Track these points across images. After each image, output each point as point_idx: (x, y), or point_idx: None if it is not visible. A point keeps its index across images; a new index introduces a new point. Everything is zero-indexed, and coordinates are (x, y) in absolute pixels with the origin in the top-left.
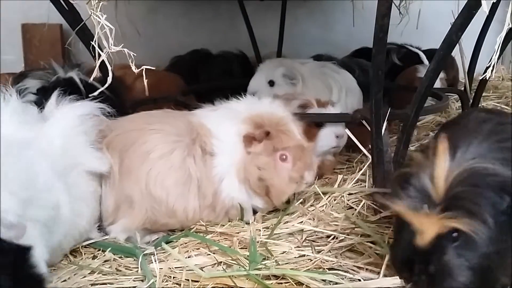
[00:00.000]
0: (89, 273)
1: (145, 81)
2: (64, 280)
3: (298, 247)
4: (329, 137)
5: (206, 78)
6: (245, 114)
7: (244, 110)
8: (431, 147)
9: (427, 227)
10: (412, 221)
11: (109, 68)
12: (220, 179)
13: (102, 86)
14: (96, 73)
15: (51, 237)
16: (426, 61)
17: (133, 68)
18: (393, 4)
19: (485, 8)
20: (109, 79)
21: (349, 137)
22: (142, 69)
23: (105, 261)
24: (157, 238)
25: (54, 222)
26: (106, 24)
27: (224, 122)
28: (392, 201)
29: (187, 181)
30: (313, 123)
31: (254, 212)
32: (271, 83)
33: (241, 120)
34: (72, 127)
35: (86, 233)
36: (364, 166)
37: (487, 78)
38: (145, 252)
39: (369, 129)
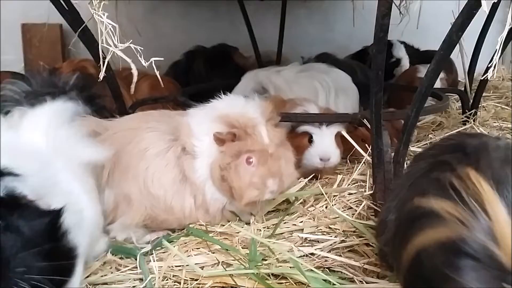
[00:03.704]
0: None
1: (157, 73)
2: None
3: (299, 245)
4: (314, 158)
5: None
6: (218, 113)
7: (220, 108)
8: (464, 191)
9: None
10: None
11: (129, 60)
12: (203, 181)
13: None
14: (103, 73)
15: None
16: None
17: (143, 62)
18: (393, 4)
19: (485, 8)
20: (134, 74)
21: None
22: (150, 62)
23: (104, 262)
24: (157, 238)
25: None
26: (109, 23)
27: (203, 121)
28: None
29: (183, 178)
30: (306, 136)
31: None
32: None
33: (213, 118)
34: (54, 121)
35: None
36: (363, 166)
37: (488, 79)
38: (144, 252)
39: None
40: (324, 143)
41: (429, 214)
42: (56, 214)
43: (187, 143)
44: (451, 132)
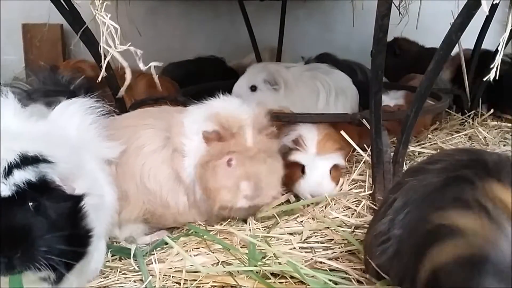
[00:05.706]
0: None
1: (155, 78)
2: None
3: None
4: (304, 192)
5: None
6: (211, 111)
7: (214, 107)
8: (491, 204)
9: None
10: None
11: (125, 64)
12: (192, 181)
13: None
14: (103, 73)
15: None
16: None
17: (141, 65)
18: (392, 4)
19: (485, 8)
20: (128, 78)
21: None
22: (149, 67)
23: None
24: (157, 240)
25: (99, 210)
26: (111, 24)
27: (196, 120)
28: None
29: (177, 177)
30: (298, 166)
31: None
32: (253, 88)
33: (206, 117)
34: (87, 117)
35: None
36: (363, 166)
37: (491, 80)
38: (144, 252)
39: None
40: (316, 178)
41: (449, 229)
42: (78, 199)
43: (176, 142)
44: (451, 142)
